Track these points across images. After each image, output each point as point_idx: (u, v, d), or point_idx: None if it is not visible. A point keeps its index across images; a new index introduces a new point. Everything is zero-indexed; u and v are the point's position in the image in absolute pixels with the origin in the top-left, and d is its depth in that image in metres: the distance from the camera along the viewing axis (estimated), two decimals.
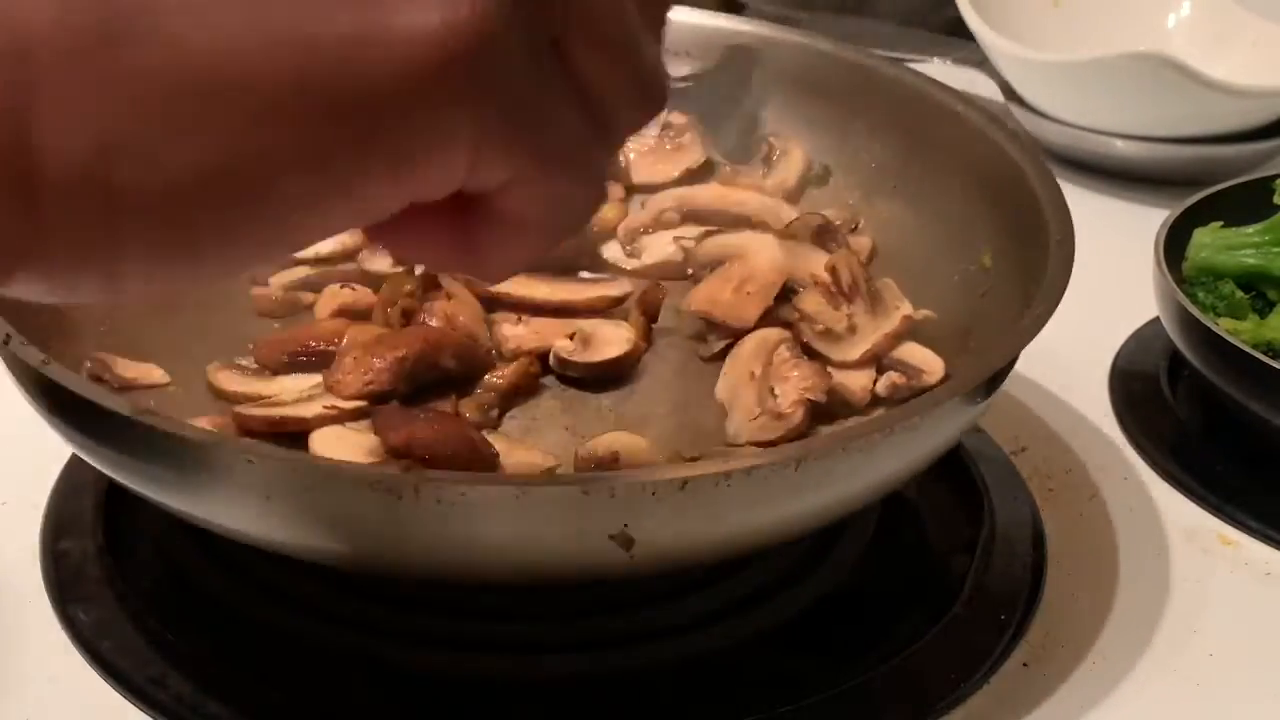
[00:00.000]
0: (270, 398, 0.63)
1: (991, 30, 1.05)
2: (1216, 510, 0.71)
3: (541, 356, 0.67)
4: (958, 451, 0.69)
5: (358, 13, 0.33)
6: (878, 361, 0.67)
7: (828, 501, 0.53)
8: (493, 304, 0.69)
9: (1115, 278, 0.81)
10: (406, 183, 0.35)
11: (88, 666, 0.58)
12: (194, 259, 0.35)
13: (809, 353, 0.67)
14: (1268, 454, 0.73)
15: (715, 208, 0.76)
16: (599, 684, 0.59)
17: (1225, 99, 0.98)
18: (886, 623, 0.62)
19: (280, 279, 0.71)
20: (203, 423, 0.58)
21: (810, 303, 0.68)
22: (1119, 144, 1.01)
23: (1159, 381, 0.80)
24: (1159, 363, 0.81)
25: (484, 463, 0.58)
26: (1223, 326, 0.72)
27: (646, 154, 0.79)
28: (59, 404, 0.53)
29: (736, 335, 0.68)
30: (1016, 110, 1.04)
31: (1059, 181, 0.67)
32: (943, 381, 0.64)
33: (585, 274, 0.73)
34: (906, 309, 0.68)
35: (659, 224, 0.76)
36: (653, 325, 0.69)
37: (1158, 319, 0.78)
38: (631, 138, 0.41)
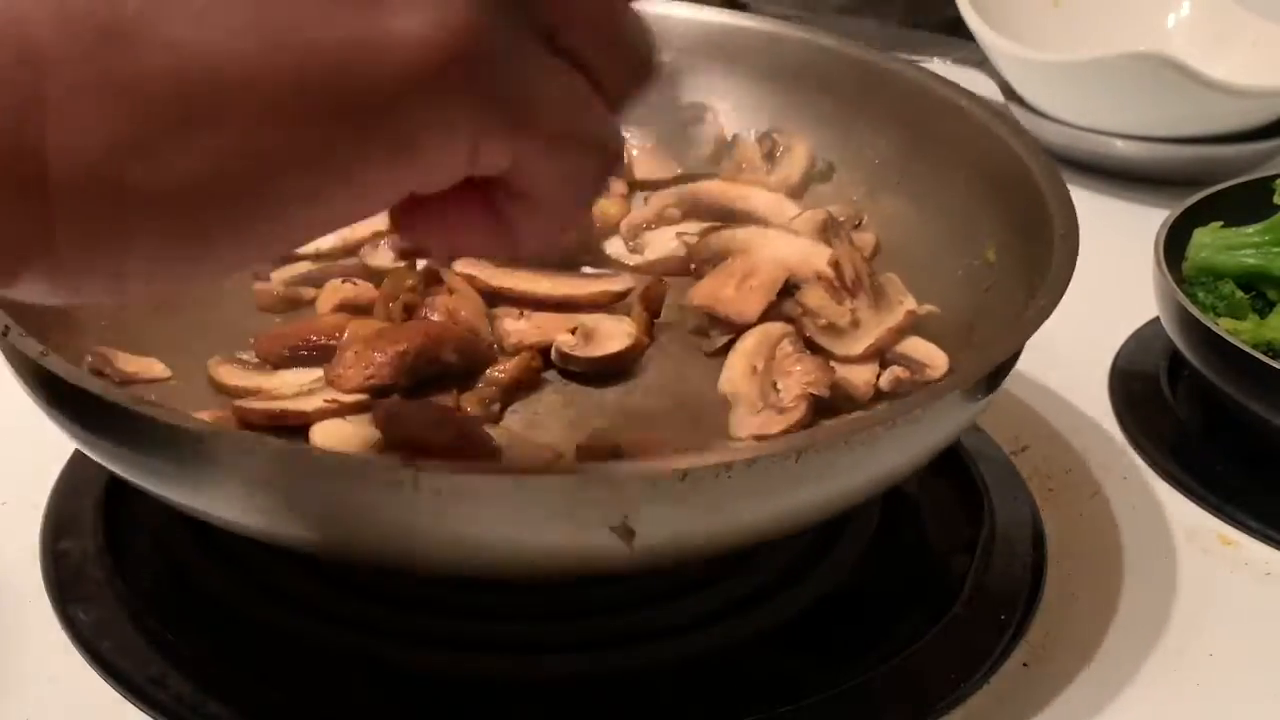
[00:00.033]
0: (271, 392, 0.63)
1: (991, 30, 1.05)
2: (1216, 510, 0.71)
3: (543, 351, 0.66)
4: (958, 451, 0.69)
5: (356, 15, 0.34)
6: (881, 356, 0.67)
7: (829, 494, 0.52)
8: (494, 299, 0.69)
9: (1115, 278, 0.81)
10: (407, 176, 0.36)
11: (88, 666, 0.58)
12: (197, 257, 0.36)
13: (812, 347, 0.67)
14: (1268, 454, 0.73)
15: (719, 204, 0.76)
16: (599, 684, 0.58)
17: (1225, 99, 0.98)
18: (886, 623, 0.62)
19: (281, 274, 0.71)
20: (203, 416, 0.58)
21: (813, 297, 0.68)
22: (1119, 144, 1.01)
23: (1159, 381, 0.80)
24: (1159, 363, 0.81)
25: (485, 457, 0.58)
26: (1223, 326, 0.72)
27: (648, 150, 0.78)
28: (58, 396, 0.53)
29: (739, 330, 0.68)
30: (1016, 110, 1.04)
31: None
32: (946, 376, 0.64)
33: (588, 269, 0.73)
34: (910, 304, 0.68)
35: (661, 220, 0.76)
36: (655, 320, 0.69)
37: (1158, 319, 0.78)
38: (630, 139, 0.42)
